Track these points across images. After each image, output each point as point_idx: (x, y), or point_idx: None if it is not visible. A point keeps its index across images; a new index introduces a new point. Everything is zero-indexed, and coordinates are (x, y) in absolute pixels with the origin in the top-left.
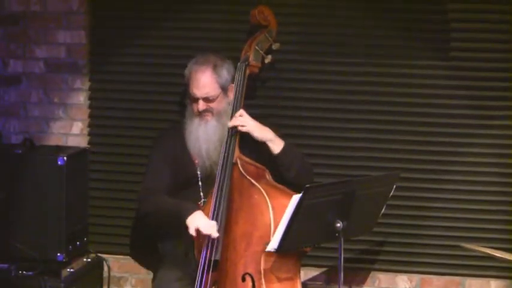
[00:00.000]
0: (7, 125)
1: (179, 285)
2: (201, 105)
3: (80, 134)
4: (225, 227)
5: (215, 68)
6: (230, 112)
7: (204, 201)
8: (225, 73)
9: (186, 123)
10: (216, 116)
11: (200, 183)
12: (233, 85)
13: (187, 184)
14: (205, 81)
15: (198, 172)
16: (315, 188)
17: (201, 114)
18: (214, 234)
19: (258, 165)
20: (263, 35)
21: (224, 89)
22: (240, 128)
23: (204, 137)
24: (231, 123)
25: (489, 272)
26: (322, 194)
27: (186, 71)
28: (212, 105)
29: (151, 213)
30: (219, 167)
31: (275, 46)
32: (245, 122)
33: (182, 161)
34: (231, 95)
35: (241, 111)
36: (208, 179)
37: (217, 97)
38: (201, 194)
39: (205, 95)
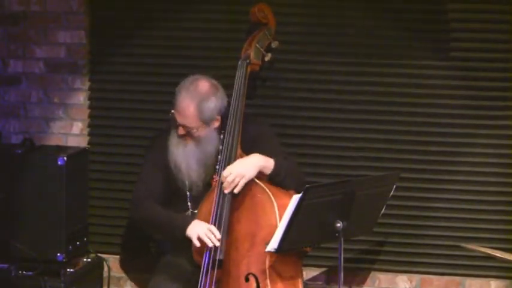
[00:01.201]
0: (7, 125)
1: (176, 287)
2: (180, 130)
3: (80, 134)
4: (228, 227)
5: (200, 103)
6: (232, 114)
7: (191, 212)
8: (211, 108)
9: (170, 135)
10: (196, 141)
11: (188, 193)
12: (219, 117)
13: (178, 191)
14: (187, 114)
15: (186, 182)
16: (315, 188)
17: (180, 135)
18: (216, 242)
19: None
20: (262, 32)
21: (207, 123)
22: (239, 187)
23: (182, 157)
24: (225, 191)
25: (489, 272)
26: (322, 194)
27: (177, 89)
28: (191, 131)
29: (143, 219)
30: (221, 167)
31: (274, 44)
32: (236, 182)
33: (172, 168)
34: (217, 124)
35: (225, 176)
36: (194, 191)
37: (197, 128)
38: (189, 204)
39: (184, 124)
